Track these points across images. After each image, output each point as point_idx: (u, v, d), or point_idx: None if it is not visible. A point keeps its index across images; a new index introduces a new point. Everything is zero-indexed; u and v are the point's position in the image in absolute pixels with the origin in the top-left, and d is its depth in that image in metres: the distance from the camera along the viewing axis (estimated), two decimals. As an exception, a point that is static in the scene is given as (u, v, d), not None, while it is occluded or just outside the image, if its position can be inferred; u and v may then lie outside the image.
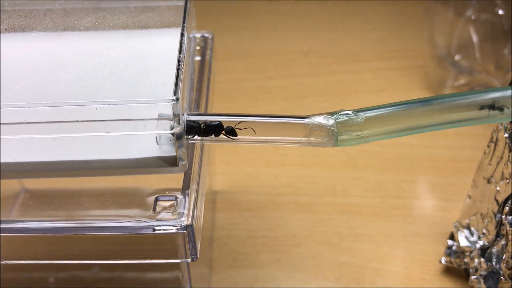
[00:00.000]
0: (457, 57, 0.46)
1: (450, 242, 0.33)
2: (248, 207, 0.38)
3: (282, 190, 0.39)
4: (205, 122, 0.23)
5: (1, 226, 0.23)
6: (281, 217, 0.38)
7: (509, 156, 0.28)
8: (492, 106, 0.23)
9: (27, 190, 0.28)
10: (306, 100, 0.47)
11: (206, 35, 0.31)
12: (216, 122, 0.23)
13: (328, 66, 0.51)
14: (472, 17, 0.44)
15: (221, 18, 0.56)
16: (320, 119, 0.23)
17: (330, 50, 0.52)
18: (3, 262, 0.24)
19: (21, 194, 0.29)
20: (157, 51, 0.24)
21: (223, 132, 0.23)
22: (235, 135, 0.23)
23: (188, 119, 0.23)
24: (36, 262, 0.25)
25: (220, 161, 0.41)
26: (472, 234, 0.32)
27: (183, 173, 0.23)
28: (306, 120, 0.23)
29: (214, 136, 0.23)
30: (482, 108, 0.23)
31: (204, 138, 0.23)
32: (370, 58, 0.51)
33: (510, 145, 0.27)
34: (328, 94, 0.48)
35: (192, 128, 0.23)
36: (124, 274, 0.32)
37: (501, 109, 0.23)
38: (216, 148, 0.40)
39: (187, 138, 0.23)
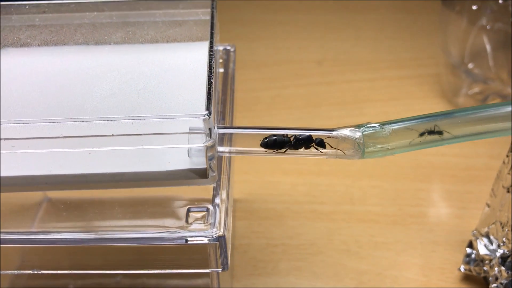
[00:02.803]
0: (470, 66, 0.47)
1: (468, 250, 0.34)
2: (266, 216, 0.39)
3: (300, 199, 0.40)
4: (294, 135, 0.23)
5: (35, 237, 0.24)
6: (300, 225, 0.38)
7: (529, 166, 0.28)
8: (431, 131, 0.23)
9: (50, 200, 0.29)
10: (320, 109, 0.48)
11: (228, 47, 0.32)
12: (306, 136, 0.23)
13: (342, 75, 0.51)
14: (487, 27, 0.45)
15: (236, 28, 0.57)
16: (347, 132, 0.23)
17: (344, 59, 0.53)
18: (38, 272, 0.24)
19: (44, 203, 0.29)
20: (187, 65, 0.25)
21: (313, 144, 0.23)
22: (324, 147, 0.23)
23: (276, 133, 0.23)
24: (65, 272, 0.26)
25: (238, 169, 0.42)
26: (491, 242, 0.32)
27: (213, 185, 0.24)
28: (334, 133, 0.23)
29: (304, 148, 0.23)
30: (422, 134, 0.23)
31: (267, 150, 0.23)
32: (384, 66, 0.52)
33: (530, 155, 0.28)
34: (342, 102, 0.49)
35: (284, 142, 0.23)
36: (147, 281, 0.32)
37: (440, 133, 0.23)
38: (234, 157, 0.40)
39: (273, 152, 0.23)
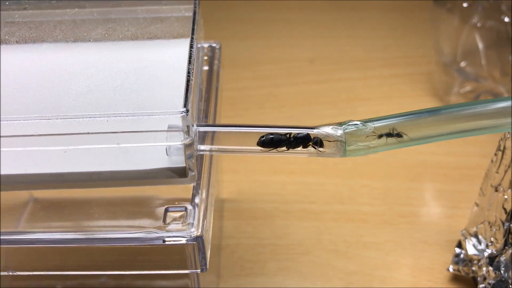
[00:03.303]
0: (462, 64, 0.46)
1: (457, 250, 0.33)
2: (255, 215, 0.38)
3: (289, 198, 0.40)
4: (290, 133, 0.23)
5: (10, 237, 0.24)
6: (288, 225, 0.38)
7: (517, 164, 0.28)
8: (389, 134, 0.23)
9: (36, 199, 0.28)
10: (312, 108, 0.48)
11: (214, 45, 0.31)
12: (304, 134, 0.23)
13: (334, 73, 0.51)
14: (478, 24, 0.45)
15: (228, 26, 0.57)
16: (328, 130, 0.23)
17: (336, 58, 0.53)
18: (14, 273, 0.24)
19: (30, 203, 0.29)
20: (166, 62, 0.24)
21: (311, 143, 0.23)
22: (323, 145, 0.23)
23: (272, 132, 0.23)
24: (44, 273, 0.26)
25: (228, 169, 0.41)
26: (480, 242, 0.32)
27: (192, 184, 0.23)
28: (315, 131, 0.23)
29: (302, 147, 0.23)
30: (380, 136, 0.23)
31: (263, 149, 0.23)
32: (376, 65, 0.51)
33: (518, 153, 0.27)
34: (334, 101, 0.48)
35: (281, 141, 0.23)
36: (132, 282, 0.32)
37: (399, 135, 0.23)
38: (223, 156, 0.40)
39: (268, 150, 0.23)
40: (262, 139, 0.23)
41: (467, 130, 0.23)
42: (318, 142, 0.23)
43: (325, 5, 0.59)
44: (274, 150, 0.23)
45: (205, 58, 0.30)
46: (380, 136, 0.22)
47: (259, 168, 0.42)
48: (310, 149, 0.23)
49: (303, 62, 0.52)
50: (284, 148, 0.23)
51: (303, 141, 0.23)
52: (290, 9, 0.59)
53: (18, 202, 0.28)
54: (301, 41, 0.55)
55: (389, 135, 0.22)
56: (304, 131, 0.23)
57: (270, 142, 0.23)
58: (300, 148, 0.23)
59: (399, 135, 0.22)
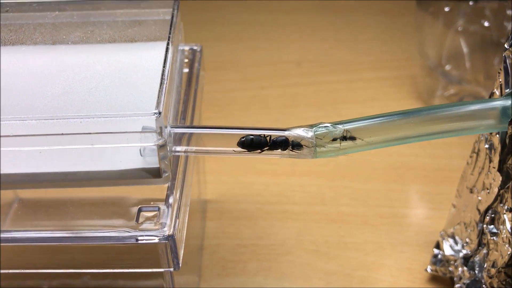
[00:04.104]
0: (447, 67, 0.47)
1: (436, 251, 0.34)
2: (238, 216, 0.39)
3: (272, 199, 0.40)
4: (270, 136, 0.23)
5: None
6: (270, 225, 0.38)
7: (489, 166, 0.28)
8: (344, 137, 0.23)
9: (21, 200, 0.29)
10: (298, 110, 0.48)
11: (195, 47, 0.32)
12: (283, 138, 0.23)
13: (320, 76, 0.51)
14: (460, 29, 0.45)
15: (214, 28, 0.57)
16: (299, 132, 0.23)
17: (322, 60, 0.53)
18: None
19: (14, 204, 0.29)
20: (143, 65, 0.25)
21: (289, 146, 0.23)
22: (301, 148, 0.23)
23: (251, 134, 0.23)
24: (24, 271, 0.26)
25: (211, 170, 0.42)
26: (456, 243, 0.32)
27: (167, 184, 0.24)
28: (286, 133, 0.23)
29: (281, 150, 0.23)
30: (335, 139, 0.23)
31: (247, 151, 0.23)
32: (362, 68, 0.52)
33: (490, 155, 0.28)
34: (320, 103, 0.49)
35: (261, 143, 0.23)
36: (114, 282, 0.32)
37: (353, 138, 0.23)
38: (206, 157, 0.40)
39: (260, 152, 0.23)
40: (242, 140, 0.23)
41: (436, 133, 0.24)
42: (296, 145, 0.23)
43: (312, 8, 0.60)
44: (248, 152, 0.24)
45: (186, 60, 0.31)
46: (335, 139, 0.23)
47: (242, 169, 0.42)
48: (280, 151, 0.23)
49: (290, 64, 0.53)
50: (258, 150, 0.23)
51: (282, 143, 0.23)
52: (278, 12, 0.59)
53: (3, 203, 0.29)
54: (288, 43, 0.55)
55: (343, 138, 0.23)
56: (278, 133, 0.23)
57: (250, 144, 0.23)
58: (274, 150, 0.24)
59: (353, 138, 0.23)
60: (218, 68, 0.51)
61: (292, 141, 0.23)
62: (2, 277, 0.32)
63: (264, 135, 0.23)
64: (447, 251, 0.33)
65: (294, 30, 0.57)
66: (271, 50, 0.55)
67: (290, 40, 0.56)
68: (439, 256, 0.33)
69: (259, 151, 0.23)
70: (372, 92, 0.49)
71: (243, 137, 0.23)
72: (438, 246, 0.34)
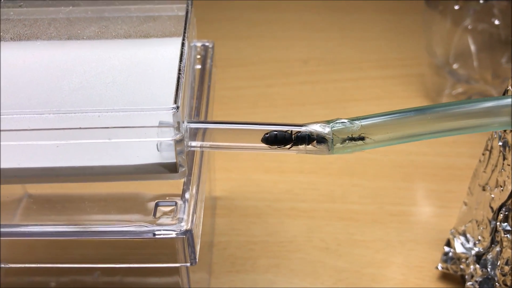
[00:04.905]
0: (455, 66, 0.47)
1: (446, 248, 0.34)
2: (247, 213, 0.39)
3: (281, 196, 0.40)
4: (291, 131, 0.23)
5: (4, 230, 0.24)
6: (280, 223, 0.38)
7: (503, 164, 0.28)
8: (352, 138, 0.23)
9: (30, 195, 0.29)
10: (305, 108, 0.48)
11: (207, 44, 0.32)
12: (306, 133, 0.23)
13: (327, 74, 0.51)
14: (470, 27, 0.45)
15: (222, 26, 0.57)
16: (316, 127, 0.23)
17: (329, 59, 0.53)
18: (6, 266, 0.24)
19: (24, 199, 0.29)
20: (158, 60, 0.24)
21: (314, 141, 0.23)
22: (326, 142, 0.23)
23: (274, 130, 0.23)
24: (37, 265, 0.26)
25: (220, 167, 0.42)
26: (468, 240, 0.32)
27: (183, 179, 0.24)
28: (303, 128, 0.23)
29: (306, 145, 0.23)
30: (343, 141, 0.23)
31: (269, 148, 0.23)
32: (369, 66, 0.52)
33: (504, 153, 0.28)
34: (326, 101, 0.49)
35: (285, 138, 0.23)
36: (124, 278, 0.32)
37: (362, 138, 0.23)
38: (216, 155, 0.40)
39: (278, 148, 0.23)
40: (266, 136, 0.23)
41: (452, 129, 0.24)
42: (321, 140, 0.23)
43: (320, 6, 0.60)
44: (269, 149, 0.23)
45: (198, 57, 0.31)
46: (344, 141, 0.23)
47: (251, 166, 0.42)
48: (300, 146, 0.23)
49: (297, 63, 0.53)
50: (282, 145, 0.23)
51: (306, 139, 0.23)
52: (285, 10, 0.59)
53: (12, 198, 0.29)
54: (295, 41, 0.55)
55: (352, 139, 0.23)
56: (296, 129, 0.23)
57: (274, 139, 0.23)
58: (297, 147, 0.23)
59: (362, 138, 0.23)
60: (226, 65, 0.51)
61: (317, 135, 0.23)
62: (10, 273, 0.33)
63: (287, 130, 0.23)
64: (458, 248, 0.33)
65: (301, 29, 0.57)
66: (278, 48, 0.55)
67: (297, 38, 0.56)
68: (450, 254, 0.33)
69: (282, 146, 0.23)
70: (379, 91, 0.49)
71: (267, 133, 0.23)
72: (448, 243, 0.34)
